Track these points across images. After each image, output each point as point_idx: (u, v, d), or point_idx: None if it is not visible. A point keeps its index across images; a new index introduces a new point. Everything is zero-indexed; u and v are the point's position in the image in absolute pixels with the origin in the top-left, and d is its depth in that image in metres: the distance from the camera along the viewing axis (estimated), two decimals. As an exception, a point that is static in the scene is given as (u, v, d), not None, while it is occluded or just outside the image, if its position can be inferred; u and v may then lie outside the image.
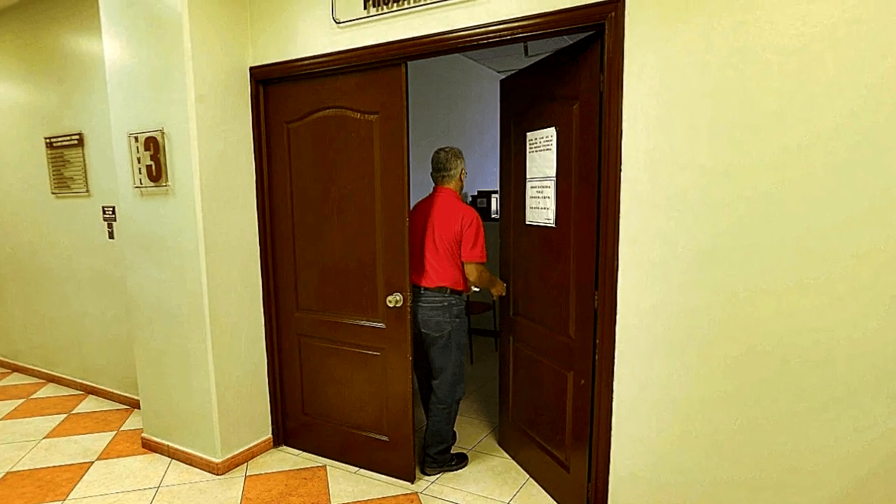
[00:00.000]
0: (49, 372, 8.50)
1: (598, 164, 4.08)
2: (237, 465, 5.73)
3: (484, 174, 11.44)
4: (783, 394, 3.53)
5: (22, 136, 8.02)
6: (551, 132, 4.66)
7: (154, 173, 5.34)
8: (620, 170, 3.90)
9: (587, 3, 3.86)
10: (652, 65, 3.71)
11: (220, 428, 5.55)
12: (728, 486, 3.82)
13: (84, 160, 7.28)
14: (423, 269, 5.28)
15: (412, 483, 5.39)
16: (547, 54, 4.73)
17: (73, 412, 7.27)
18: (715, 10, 3.45)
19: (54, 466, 5.77)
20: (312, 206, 5.51)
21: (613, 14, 3.78)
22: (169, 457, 5.95)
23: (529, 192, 5.03)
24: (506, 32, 4.22)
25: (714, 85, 3.51)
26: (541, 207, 4.86)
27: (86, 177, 7.30)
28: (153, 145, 5.29)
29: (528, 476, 5.45)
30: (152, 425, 6.10)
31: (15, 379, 8.66)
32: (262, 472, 5.63)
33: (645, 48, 3.72)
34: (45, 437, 6.47)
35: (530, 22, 4.10)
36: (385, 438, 5.49)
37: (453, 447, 5.82)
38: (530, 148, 4.97)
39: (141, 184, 5.47)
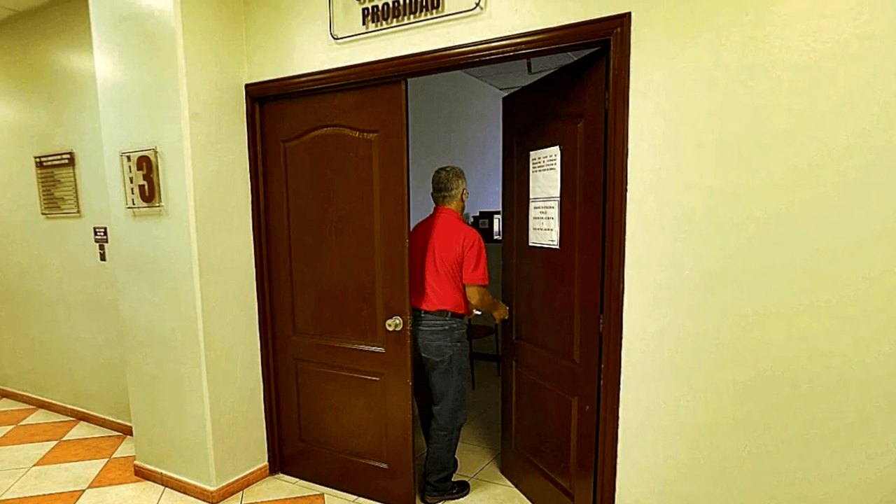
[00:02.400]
0: (39, 398, 8.47)
1: (603, 183, 4.07)
2: (232, 494, 5.70)
3: (486, 194, 11.41)
4: (793, 420, 3.52)
5: (11, 155, 8.02)
6: (555, 151, 4.65)
7: (147, 193, 5.33)
8: (626, 190, 3.89)
9: (592, 18, 3.86)
10: (659, 82, 3.70)
11: (214, 455, 5.52)
12: (738, 516, 3.81)
13: (75, 180, 7.28)
14: (424, 292, 5.26)
15: (412, 512, 5.37)
16: (550, 71, 4.74)
17: (64, 439, 7.24)
18: (724, 26, 3.45)
19: (44, 495, 5.74)
20: (310, 227, 5.50)
21: (619, 30, 3.78)
22: (162, 485, 5.93)
23: (533, 213, 5.02)
24: (508, 49, 4.22)
25: (722, 103, 3.50)
26: (544, 228, 4.85)
27: (77, 197, 7.30)
28: (146, 165, 5.28)
29: (531, 505, 5.42)
30: (145, 452, 6.07)
31: (4, 405, 8.62)
32: (258, 500, 5.60)
33: (651, 65, 3.72)
34: (34, 465, 6.44)
35: (534, 38, 4.10)
36: (384, 466, 5.46)
37: (454, 475, 5.79)
38: (533, 167, 4.96)
39: (133, 204, 5.46)
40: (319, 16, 5.06)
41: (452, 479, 5.65)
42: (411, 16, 4.60)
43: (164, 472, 5.92)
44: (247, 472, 5.88)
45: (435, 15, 4.49)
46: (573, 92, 4.42)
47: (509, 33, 4.19)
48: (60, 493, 5.79)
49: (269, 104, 5.58)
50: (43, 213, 7.75)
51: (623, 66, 3.81)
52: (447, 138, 10.67)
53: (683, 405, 3.87)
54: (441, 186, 5.40)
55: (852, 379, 3.32)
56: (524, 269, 5.29)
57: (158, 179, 5.26)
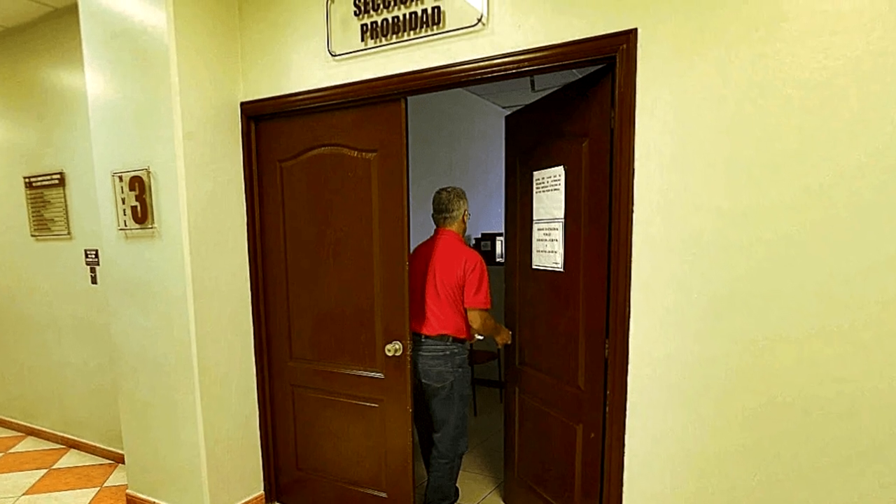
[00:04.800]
0: (28, 425, 8.44)
1: (608, 204, 4.06)
2: (227, 524, 5.69)
3: (488, 215, 11.43)
4: (804, 448, 3.50)
5: (0, 175, 8.03)
6: (559, 171, 4.65)
7: (139, 215, 5.32)
8: (632, 211, 3.88)
9: (597, 35, 3.86)
10: (666, 100, 3.69)
11: (209, 484, 5.49)
12: (748, 548, 3.78)
13: (65, 201, 7.27)
14: (424, 316, 5.25)
15: (412, 543, 5.34)
16: (554, 89, 4.74)
17: (54, 467, 7.22)
18: (733, 43, 3.45)
19: (33, 526, 5.74)
20: (307, 249, 5.49)
21: (625, 46, 3.78)
22: (155, 514, 5.91)
23: (536, 235, 5.01)
24: (511, 66, 4.21)
25: (731, 121, 3.49)
26: (548, 251, 4.85)
27: (67, 218, 7.30)
28: (138, 185, 5.27)
29: (535, 535, 5.38)
30: (137, 481, 6.04)
31: (-9, 432, 8.61)
32: (253, 531, 5.58)
33: (658, 82, 3.71)
34: (24, 494, 6.41)
35: (537, 55, 4.10)
36: (383, 495, 5.43)
37: (456, 504, 5.77)
38: (537, 188, 4.96)
39: (125, 226, 5.45)
40: (317, 32, 5.07)
41: (454, 509, 5.61)
42: (411, 32, 4.60)
43: (156, 501, 5.88)
44: (242, 502, 5.85)
45: (436, 31, 4.50)
46: (578, 110, 4.42)
47: (512, 50, 4.19)
48: (50, 523, 5.78)
49: (266, 123, 5.58)
50: (32, 235, 7.74)
51: (629, 84, 3.80)
52: (448, 158, 10.68)
53: (691, 433, 3.85)
54: (442, 207, 5.40)
55: (865, 405, 3.31)
56: (527, 293, 5.28)
57: (151, 200, 5.25)
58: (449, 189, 5.45)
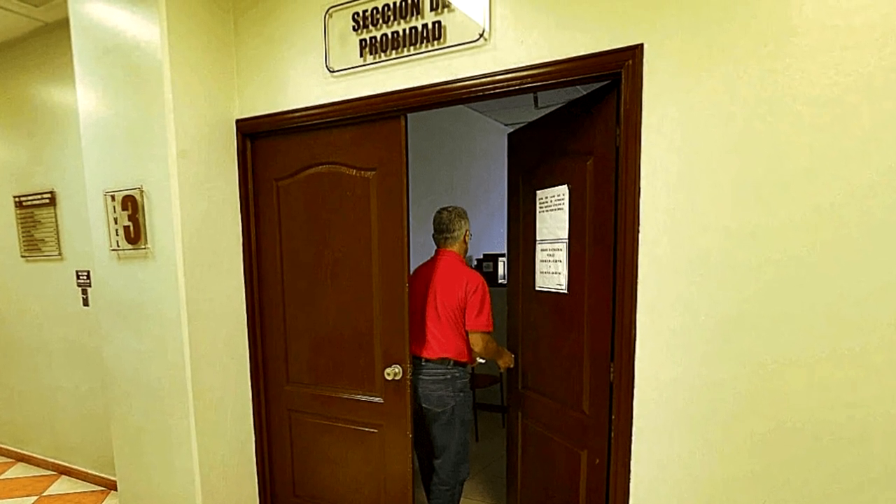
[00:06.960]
0: (18, 450, 8.42)
1: (613, 224, 4.05)
2: (222, 554, 5.66)
3: (490, 236, 11.43)
4: (815, 474, 3.48)
5: (-10, 195, 8.02)
6: (563, 190, 4.65)
7: (132, 235, 5.30)
8: (638, 231, 3.87)
9: (602, 50, 3.86)
10: (672, 117, 3.69)
11: (203, 512, 5.48)
12: (758, 578, 3.76)
13: (56, 220, 7.27)
14: (424, 339, 5.24)
15: (412, 573, 5.30)
16: (558, 106, 4.75)
17: (45, 494, 7.19)
18: (741, 58, 3.44)
19: (21, 555, 5.71)
20: (304, 270, 5.48)
21: (631, 62, 3.77)
22: (147, 544, 5.86)
23: (540, 256, 5.01)
24: (514, 82, 4.21)
25: (740, 139, 3.49)
26: (552, 272, 4.84)
27: (58, 239, 7.29)
28: (131, 204, 5.26)
29: (539, 565, 5.36)
30: (129, 509, 6.02)
31: (-20, 458, 8.56)
32: (249, 560, 5.55)
33: (665, 99, 3.71)
34: (12, 522, 6.39)
35: (541, 71, 4.09)
36: (383, 523, 5.42)
37: (457, 533, 5.73)
38: (540, 207, 4.96)
39: (118, 246, 5.43)
40: (314, 47, 5.06)
41: (455, 537, 5.59)
42: (411, 47, 4.60)
43: (149, 529, 5.87)
44: (237, 530, 5.84)
45: (437, 46, 4.50)
46: (582, 128, 4.42)
47: (515, 66, 4.18)
48: (39, 552, 5.76)
49: (262, 140, 5.57)
50: (22, 256, 7.75)
51: (635, 101, 3.80)
52: (449, 177, 10.68)
53: (698, 458, 3.84)
54: (443, 227, 5.39)
55: (877, 430, 3.29)
56: (530, 315, 5.27)
57: (144, 220, 5.23)
58: (450, 208, 5.45)
